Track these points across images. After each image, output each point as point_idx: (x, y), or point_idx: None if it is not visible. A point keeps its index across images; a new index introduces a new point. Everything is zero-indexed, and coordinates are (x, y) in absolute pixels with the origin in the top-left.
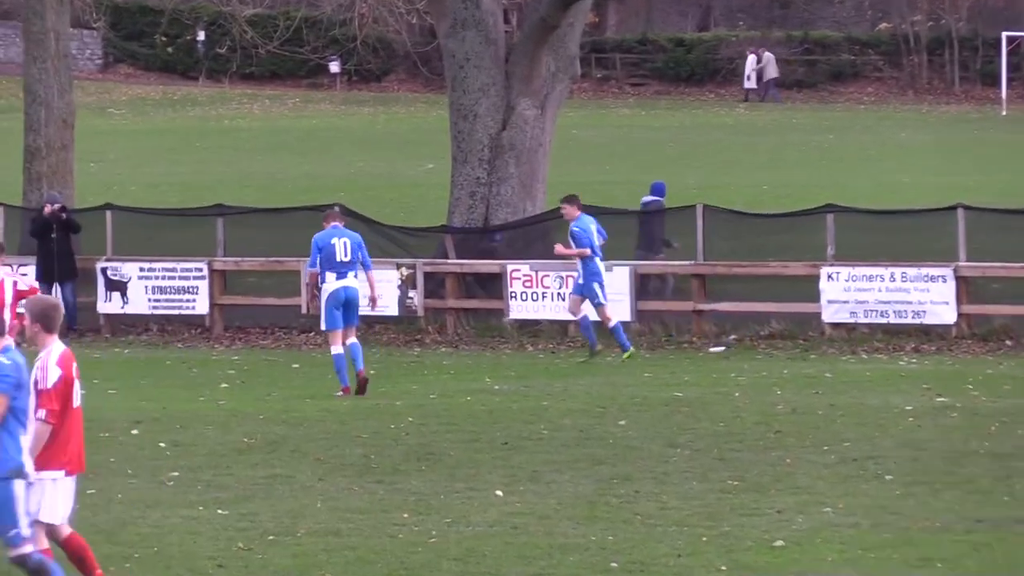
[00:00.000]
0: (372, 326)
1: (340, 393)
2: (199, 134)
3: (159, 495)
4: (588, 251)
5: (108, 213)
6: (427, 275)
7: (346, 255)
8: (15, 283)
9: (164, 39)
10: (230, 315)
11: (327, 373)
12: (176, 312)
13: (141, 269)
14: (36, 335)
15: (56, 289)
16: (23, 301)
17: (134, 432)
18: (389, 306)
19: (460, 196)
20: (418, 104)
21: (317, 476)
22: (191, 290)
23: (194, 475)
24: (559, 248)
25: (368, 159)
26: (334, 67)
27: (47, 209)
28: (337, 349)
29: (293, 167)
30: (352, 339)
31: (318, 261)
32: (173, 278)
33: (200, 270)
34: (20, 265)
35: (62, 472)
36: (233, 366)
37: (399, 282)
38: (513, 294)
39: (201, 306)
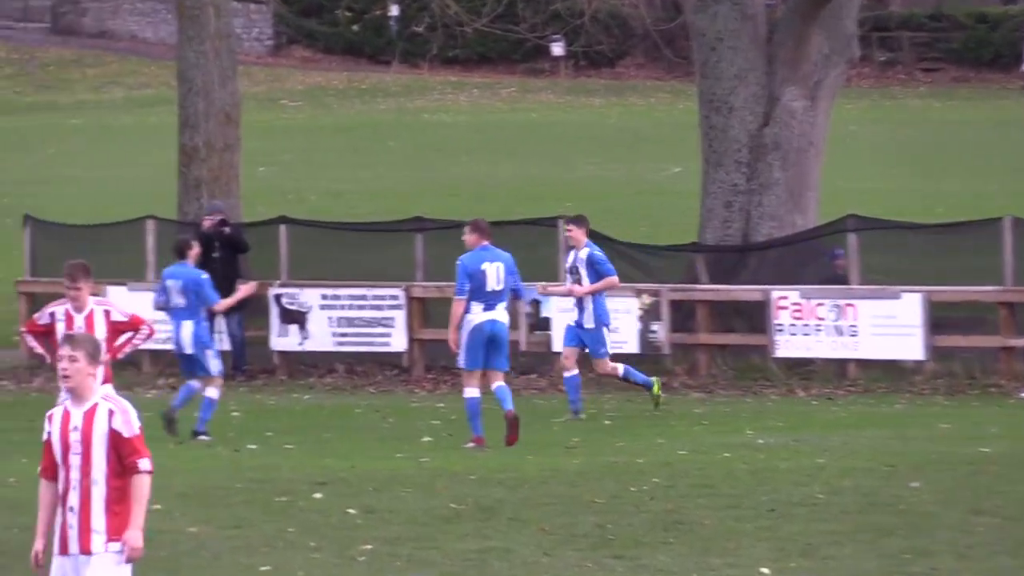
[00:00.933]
0: None
1: (472, 444)
2: (392, 130)
3: (348, 573)
4: (616, 279)
5: (282, 228)
6: (674, 304)
7: (498, 283)
8: (107, 312)
9: (348, 14)
10: (433, 353)
11: (551, 424)
12: (367, 349)
13: (323, 297)
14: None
15: (220, 322)
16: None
17: (317, 496)
18: (628, 342)
19: (713, 207)
20: (660, 94)
21: (541, 550)
22: (385, 322)
23: (391, 549)
24: (547, 288)
25: (600, 161)
26: (557, 49)
27: (206, 223)
28: (473, 392)
29: (508, 171)
30: (499, 383)
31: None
32: (363, 307)
33: (396, 298)
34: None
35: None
36: (437, 415)
37: (639, 313)
38: (779, 327)
39: (397, 342)
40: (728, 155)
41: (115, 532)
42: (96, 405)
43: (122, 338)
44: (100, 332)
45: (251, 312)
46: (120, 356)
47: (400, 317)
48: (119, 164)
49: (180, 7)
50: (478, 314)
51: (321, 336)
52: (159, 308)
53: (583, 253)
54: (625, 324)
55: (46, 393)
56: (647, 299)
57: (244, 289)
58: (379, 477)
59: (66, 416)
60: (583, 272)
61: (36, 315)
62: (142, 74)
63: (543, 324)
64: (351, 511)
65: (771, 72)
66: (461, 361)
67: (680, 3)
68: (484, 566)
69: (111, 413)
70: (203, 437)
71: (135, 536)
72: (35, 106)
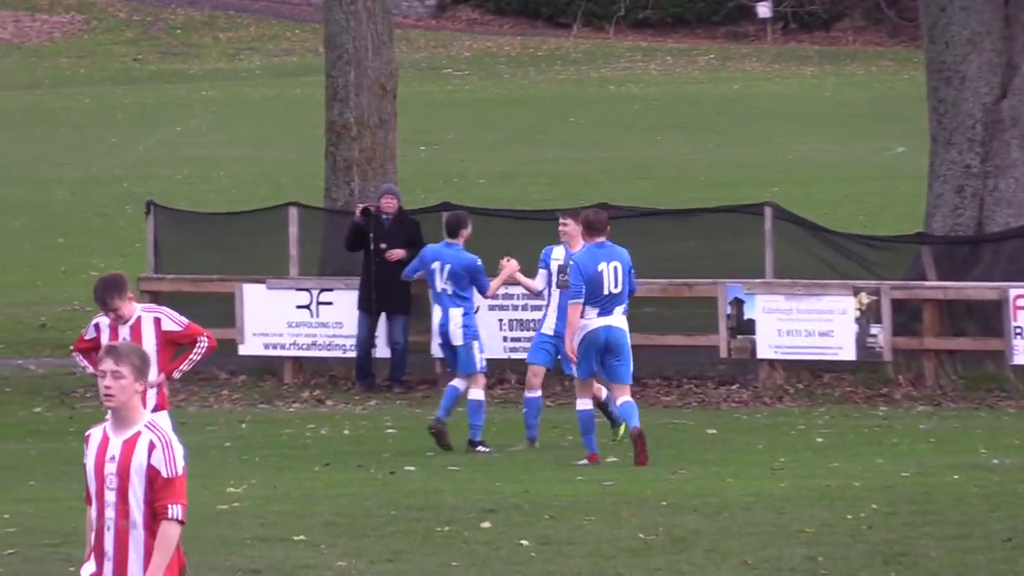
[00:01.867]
0: (820, 376)
1: (585, 461)
2: (573, 104)
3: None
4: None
5: (445, 216)
6: (896, 303)
7: (616, 285)
8: (158, 320)
9: None
10: None
11: (757, 443)
12: None
13: (493, 296)
14: None
15: (381, 325)
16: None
17: (485, 525)
18: (843, 347)
19: (943, 192)
20: (882, 63)
21: None
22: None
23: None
24: (520, 278)
25: (812, 140)
26: (763, 10)
27: (357, 211)
28: (586, 404)
29: (706, 151)
30: (625, 397)
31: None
32: (538, 308)
33: None
34: (324, 290)
35: None
36: (624, 432)
37: (856, 314)
38: (1019, 330)
39: None
40: (960, 132)
41: None
42: (138, 434)
43: (178, 353)
44: (149, 344)
45: (417, 314)
46: (176, 375)
47: None
48: (257, 143)
49: None
50: (592, 319)
51: (491, 341)
52: (408, 275)
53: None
54: (840, 327)
55: (172, 407)
56: (865, 298)
57: (508, 267)
58: (556, 504)
59: (104, 442)
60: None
61: (84, 329)
62: (284, 39)
63: (746, 327)
64: (524, 543)
65: (1009, 36)
66: (576, 370)
67: None
68: None
69: (152, 446)
70: (482, 448)
71: None
72: (160, 75)
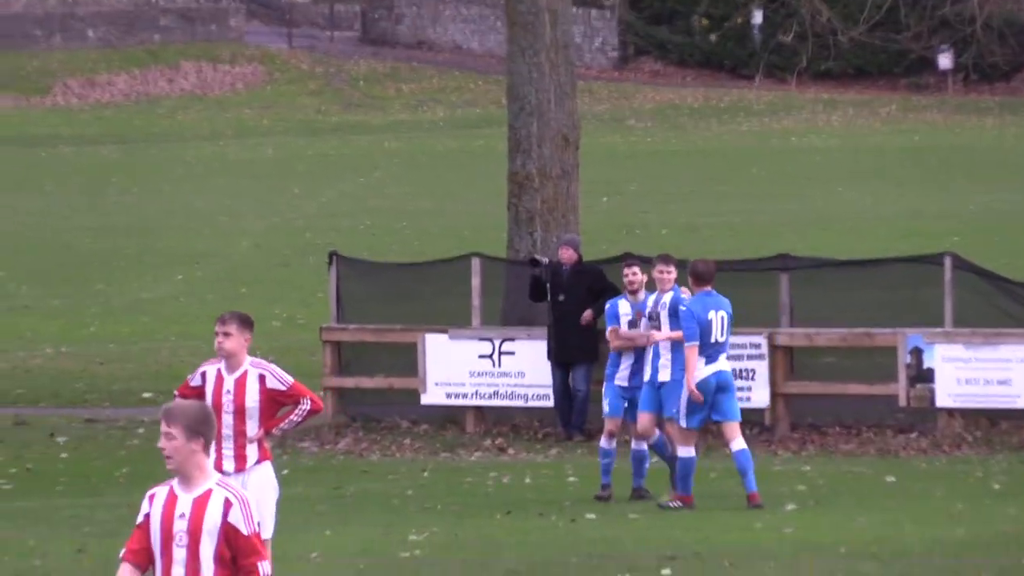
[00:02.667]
0: (997, 423)
1: (677, 503)
2: (755, 156)
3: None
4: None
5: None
6: None
7: (722, 334)
8: (263, 377)
9: (705, 22)
10: (799, 408)
11: (935, 489)
12: None
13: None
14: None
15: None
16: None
17: (665, 572)
18: (1021, 395)
19: None
20: None
21: None
22: (745, 374)
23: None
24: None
25: (992, 190)
26: (944, 61)
27: (564, 254)
28: (689, 452)
29: (888, 202)
30: (738, 440)
31: None
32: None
33: (758, 346)
34: (506, 339)
35: None
36: (803, 479)
37: None
38: None
39: (759, 396)
40: None
41: None
42: (210, 491)
43: (281, 411)
44: (252, 399)
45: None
46: (276, 431)
47: (762, 368)
48: (439, 194)
49: (511, 13)
50: (701, 368)
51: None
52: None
53: (667, 297)
54: (1018, 375)
55: (355, 455)
56: None
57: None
58: (736, 551)
59: (172, 499)
60: (664, 318)
61: (190, 376)
62: (467, 90)
63: (926, 376)
64: None
65: None
66: (683, 420)
67: None
68: None
69: (228, 503)
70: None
71: None
72: (343, 127)
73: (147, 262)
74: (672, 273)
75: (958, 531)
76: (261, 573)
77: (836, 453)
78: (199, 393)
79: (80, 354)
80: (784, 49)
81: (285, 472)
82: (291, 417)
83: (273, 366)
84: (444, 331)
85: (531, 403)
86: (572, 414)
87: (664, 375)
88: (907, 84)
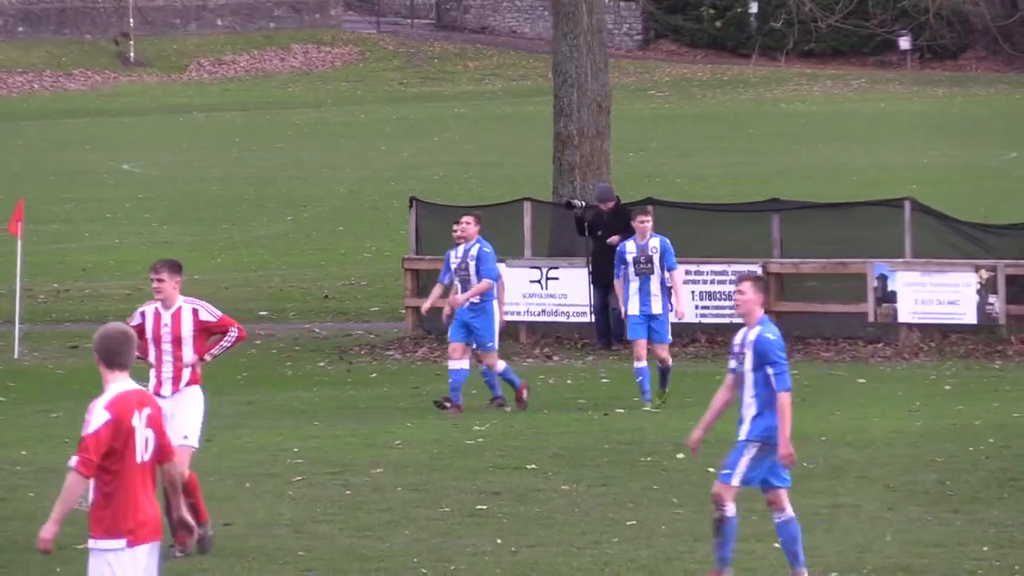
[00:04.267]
0: (948, 336)
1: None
2: (752, 119)
3: (708, 527)
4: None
5: (650, 209)
6: (1010, 278)
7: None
8: (196, 312)
9: (712, 11)
10: (788, 324)
11: (897, 390)
12: (727, 321)
13: (687, 272)
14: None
15: (592, 295)
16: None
17: (679, 456)
18: (966, 314)
19: None
20: (999, 85)
21: (886, 505)
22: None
23: (748, 505)
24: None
25: (942, 147)
26: (904, 43)
27: (577, 208)
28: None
29: (858, 157)
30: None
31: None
32: (723, 282)
33: (755, 273)
34: (551, 268)
35: (122, 542)
36: (792, 381)
37: (978, 286)
38: None
39: None
40: None
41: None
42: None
43: (211, 339)
44: (187, 330)
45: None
46: (208, 358)
47: None
48: (498, 150)
49: (556, 4)
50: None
51: (685, 308)
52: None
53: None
54: (964, 297)
55: (430, 361)
56: (985, 274)
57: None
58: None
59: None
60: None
61: (130, 316)
62: (520, 67)
63: (890, 297)
64: (711, 470)
65: None
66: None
67: (1017, 0)
68: (833, 520)
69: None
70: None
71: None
72: (420, 96)
73: (263, 206)
74: (648, 222)
75: (916, 423)
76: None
77: (818, 360)
78: (139, 330)
79: (209, 280)
80: (775, 33)
81: (373, 376)
82: (221, 343)
83: (203, 302)
84: (502, 261)
85: (572, 319)
86: (611, 328)
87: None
88: (874, 62)
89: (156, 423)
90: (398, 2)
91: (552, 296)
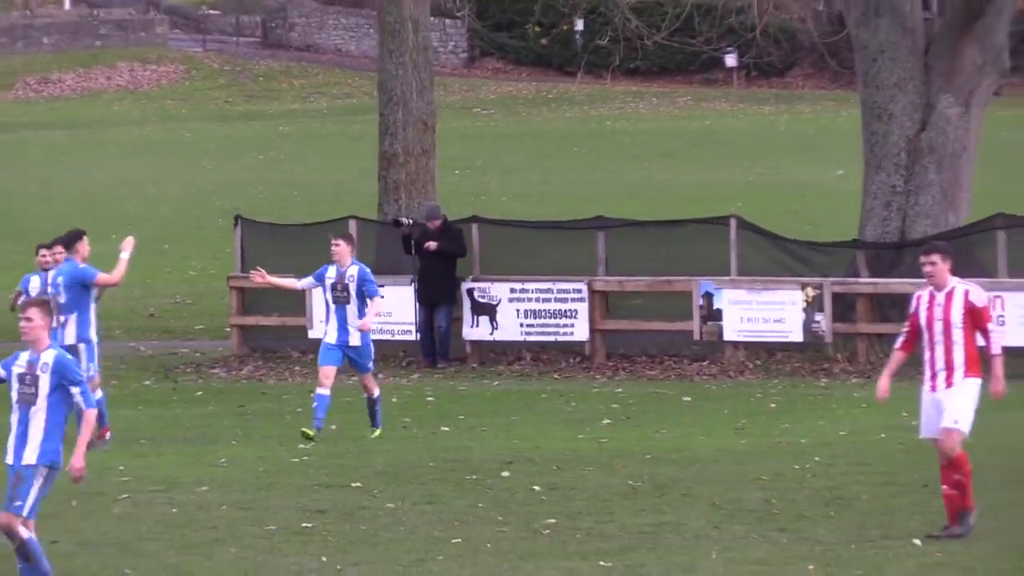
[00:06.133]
0: (774, 354)
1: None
2: (577, 137)
3: (533, 545)
4: (381, 302)
5: (475, 227)
6: (836, 296)
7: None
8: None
9: (537, 29)
10: (613, 342)
11: (723, 408)
12: (552, 339)
13: (512, 290)
14: None
15: (437, 314)
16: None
17: (505, 474)
18: (792, 331)
19: (873, 207)
20: (825, 102)
21: (711, 523)
22: (569, 314)
23: (572, 522)
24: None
25: (769, 164)
26: (730, 60)
27: (404, 226)
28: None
29: (684, 174)
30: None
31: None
32: (548, 300)
33: (579, 291)
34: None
35: None
36: (616, 399)
37: (804, 304)
38: None
39: (580, 332)
40: (888, 159)
41: None
42: None
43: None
44: None
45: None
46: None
47: (583, 309)
48: (324, 169)
49: (381, 22)
50: None
51: (510, 327)
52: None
53: (352, 270)
54: (790, 315)
55: (255, 380)
56: (811, 292)
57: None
58: (562, 457)
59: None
60: (351, 290)
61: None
62: (345, 85)
63: (715, 315)
64: (536, 488)
65: (928, 81)
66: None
67: (843, 17)
68: (658, 538)
69: None
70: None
71: None
72: (246, 114)
73: (87, 225)
74: (340, 246)
75: (741, 442)
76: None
77: (643, 378)
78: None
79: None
80: (601, 50)
81: (199, 394)
82: None
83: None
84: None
85: (397, 337)
86: (436, 346)
87: (355, 340)
88: (700, 79)
89: None
90: (224, 20)
91: (377, 314)
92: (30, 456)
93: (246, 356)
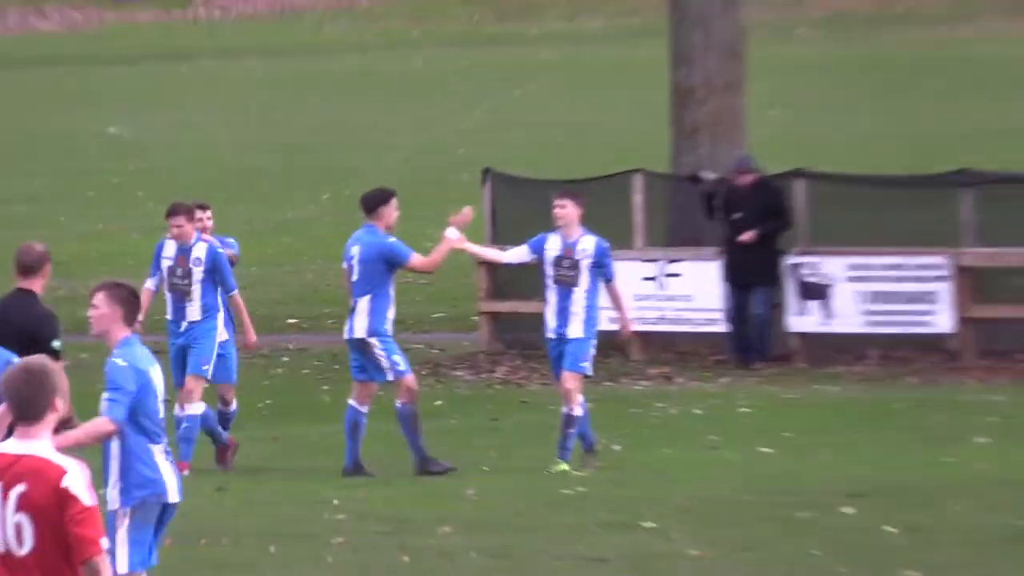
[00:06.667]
0: None
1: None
2: (933, 66)
3: None
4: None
5: (798, 184)
6: None
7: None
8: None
9: None
10: (988, 334)
11: None
12: (905, 331)
13: (851, 267)
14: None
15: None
16: None
17: (847, 511)
18: None
19: None
20: None
21: None
22: (927, 298)
23: (940, 575)
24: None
25: None
26: None
27: (705, 183)
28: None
29: None
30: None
31: None
32: (900, 279)
33: (940, 268)
34: (672, 261)
35: None
36: (994, 410)
37: None
38: None
39: (943, 322)
40: None
41: None
42: None
43: None
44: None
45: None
46: None
47: (945, 291)
48: (598, 108)
49: None
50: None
51: (848, 315)
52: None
53: (586, 242)
54: None
55: (513, 384)
56: None
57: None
58: (923, 487)
59: None
60: (583, 267)
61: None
62: (627, 0)
63: None
64: (889, 529)
65: None
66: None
67: None
68: None
69: None
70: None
71: None
72: (497, 38)
73: (292, 181)
74: (567, 208)
75: None
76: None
77: None
78: None
79: None
80: None
81: (438, 403)
82: None
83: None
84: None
85: (699, 328)
86: (751, 340)
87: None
88: None
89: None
90: None
91: (672, 299)
92: (112, 499)
93: (499, 353)
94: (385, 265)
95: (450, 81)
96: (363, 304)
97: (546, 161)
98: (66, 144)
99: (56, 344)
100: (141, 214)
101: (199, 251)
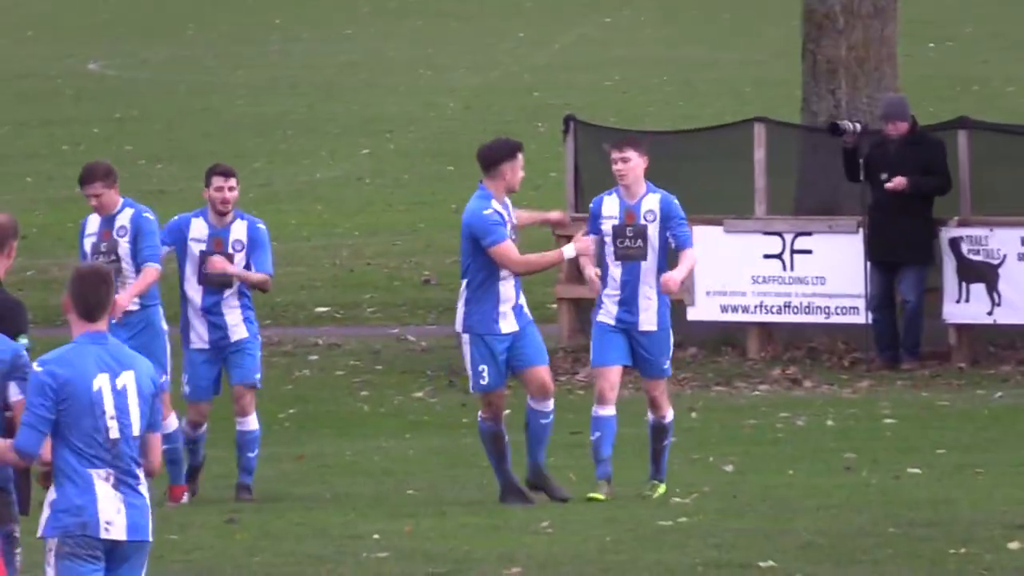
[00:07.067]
0: None
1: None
2: None
3: None
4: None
5: (962, 135)
6: None
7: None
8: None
9: None
10: None
11: None
12: None
13: None
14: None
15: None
16: None
17: (1013, 546)
18: None
19: None
20: None
21: None
22: None
23: None
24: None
25: None
26: None
27: (847, 133)
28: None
29: None
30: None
31: None
32: None
33: None
34: (801, 234)
35: None
36: None
37: None
38: None
39: None
40: None
41: None
42: None
43: None
44: None
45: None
46: None
47: None
48: (710, 41)
49: None
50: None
51: (1021, 303)
52: None
53: (651, 200)
54: None
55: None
56: None
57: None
58: None
59: None
60: (651, 235)
61: None
62: None
63: None
64: None
65: None
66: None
67: None
68: None
69: None
70: None
71: None
72: None
73: (321, 130)
74: (631, 161)
75: None
76: None
77: None
78: None
79: None
80: None
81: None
82: None
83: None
84: (718, 222)
85: (835, 318)
86: (897, 332)
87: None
88: None
89: None
90: None
91: (801, 281)
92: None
93: (582, 349)
94: (470, 244)
95: (524, 6)
96: (461, 291)
97: (641, 108)
98: (35, 84)
99: (23, 340)
100: (132, 173)
101: (238, 231)
